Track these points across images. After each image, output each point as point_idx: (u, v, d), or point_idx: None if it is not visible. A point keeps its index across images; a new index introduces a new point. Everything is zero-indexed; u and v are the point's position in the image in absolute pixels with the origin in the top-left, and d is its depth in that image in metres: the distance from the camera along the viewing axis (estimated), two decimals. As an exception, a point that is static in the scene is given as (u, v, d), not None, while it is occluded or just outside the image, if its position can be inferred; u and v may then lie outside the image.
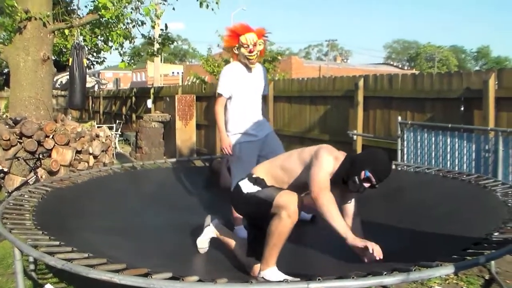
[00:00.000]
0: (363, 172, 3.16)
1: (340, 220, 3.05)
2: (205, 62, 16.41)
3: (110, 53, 12.60)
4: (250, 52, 4.47)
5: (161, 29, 12.41)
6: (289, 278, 2.81)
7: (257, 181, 3.32)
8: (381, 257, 2.89)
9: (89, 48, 12.48)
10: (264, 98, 4.97)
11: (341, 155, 3.30)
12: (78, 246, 3.21)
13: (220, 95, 4.66)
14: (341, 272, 2.77)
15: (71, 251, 3.11)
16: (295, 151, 3.48)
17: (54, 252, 3.04)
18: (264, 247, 3.18)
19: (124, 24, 10.79)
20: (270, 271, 3.16)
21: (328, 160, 3.21)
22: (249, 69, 4.65)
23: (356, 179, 3.17)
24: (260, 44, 4.53)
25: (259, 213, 3.21)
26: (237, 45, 4.52)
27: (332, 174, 3.21)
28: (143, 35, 11.92)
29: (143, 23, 11.41)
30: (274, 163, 3.49)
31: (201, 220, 4.54)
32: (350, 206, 3.59)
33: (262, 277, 3.15)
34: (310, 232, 4.29)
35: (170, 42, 13.35)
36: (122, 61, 12.20)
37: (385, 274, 2.62)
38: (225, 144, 4.57)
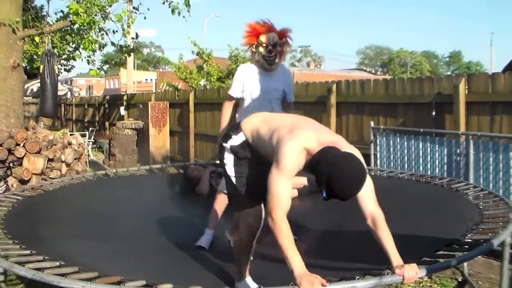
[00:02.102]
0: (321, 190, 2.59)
1: (293, 250, 2.54)
2: (177, 69, 16.37)
3: (82, 60, 12.48)
4: (269, 52, 4.19)
5: (132, 38, 12.35)
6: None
7: (234, 152, 3.10)
8: None
9: (60, 55, 12.36)
10: (288, 105, 4.61)
11: (317, 146, 2.62)
12: (50, 255, 3.16)
13: (228, 95, 4.46)
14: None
15: (42, 260, 3.06)
16: (276, 126, 2.89)
17: (24, 262, 2.99)
18: (235, 261, 3.18)
19: (95, 32, 10.69)
20: (242, 284, 3.14)
21: (292, 161, 2.65)
22: (266, 70, 4.35)
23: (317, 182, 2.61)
24: (280, 45, 4.27)
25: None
26: (255, 44, 4.24)
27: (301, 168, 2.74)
28: (113, 43, 11.84)
29: (114, 32, 11.35)
30: (259, 134, 2.99)
31: (174, 227, 4.53)
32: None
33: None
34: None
35: (138, 51, 13.30)
36: (90, 69, 12.10)
37: (358, 278, 2.63)
38: None
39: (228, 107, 4.44)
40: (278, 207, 2.60)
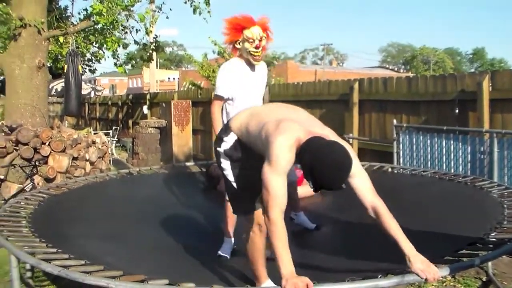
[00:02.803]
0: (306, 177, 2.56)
1: (285, 250, 2.50)
2: (200, 67, 16.43)
3: (105, 60, 12.60)
4: (257, 47, 3.95)
5: (154, 37, 12.43)
6: None
7: (229, 156, 3.06)
8: None
9: (83, 55, 12.49)
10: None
11: (304, 137, 2.58)
12: (74, 253, 3.22)
13: (218, 96, 4.16)
14: (336, 276, 2.78)
15: (67, 258, 3.11)
16: (264, 121, 2.83)
17: (50, 259, 3.04)
18: (251, 265, 3.12)
19: (118, 31, 10.79)
20: (266, 285, 3.05)
21: (284, 158, 2.59)
22: (252, 66, 4.14)
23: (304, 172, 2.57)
24: (264, 39, 4.01)
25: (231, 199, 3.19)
26: (240, 39, 3.98)
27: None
28: (135, 42, 11.94)
29: (137, 30, 11.44)
30: (249, 128, 2.95)
31: (197, 226, 4.56)
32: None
33: None
34: (306, 237, 4.30)
35: (160, 50, 13.35)
36: (115, 64, 12.19)
37: (380, 277, 2.62)
38: None
39: (218, 109, 4.18)
40: (275, 206, 2.56)
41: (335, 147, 2.51)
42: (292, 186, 4.12)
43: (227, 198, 3.53)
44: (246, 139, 2.97)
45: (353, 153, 2.65)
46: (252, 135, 2.89)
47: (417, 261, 2.55)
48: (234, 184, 3.05)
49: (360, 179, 2.69)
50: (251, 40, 3.94)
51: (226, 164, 3.08)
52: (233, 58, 4.24)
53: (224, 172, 3.10)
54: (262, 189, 2.62)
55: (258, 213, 2.98)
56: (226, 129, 3.12)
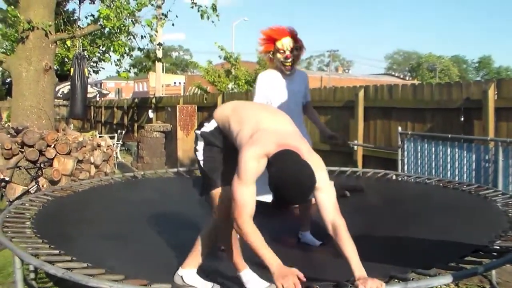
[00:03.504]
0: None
1: (266, 249, 2.56)
2: (205, 73, 16.50)
3: (111, 63, 12.66)
4: (287, 58, 4.18)
5: (159, 43, 12.48)
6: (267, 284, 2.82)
7: (205, 138, 3.11)
8: None
9: (90, 58, 12.55)
10: (309, 104, 4.69)
11: (275, 149, 2.59)
12: (78, 255, 3.23)
13: None
14: (338, 280, 2.77)
15: (71, 260, 3.12)
16: (242, 124, 2.87)
17: (54, 261, 3.05)
18: (227, 253, 3.09)
19: (125, 36, 10.85)
20: (244, 274, 3.02)
21: (252, 171, 2.62)
22: (287, 76, 4.36)
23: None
24: (297, 49, 4.24)
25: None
26: (272, 51, 4.23)
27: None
28: (140, 49, 12.00)
29: (142, 37, 11.49)
30: (230, 123, 2.98)
31: (201, 230, 4.55)
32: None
33: (181, 276, 3.08)
34: (309, 245, 4.29)
35: (160, 60, 13.44)
36: (117, 72, 12.25)
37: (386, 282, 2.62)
38: None
39: None
40: (242, 213, 2.60)
41: (299, 166, 2.52)
42: (305, 205, 4.20)
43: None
44: (224, 130, 3.04)
45: (321, 166, 2.69)
46: (229, 132, 2.95)
47: (367, 283, 2.47)
48: (203, 163, 3.09)
49: (325, 194, 2.68)
50: (281, 51, 4.17)
51: (200, 145, 3.12)
52: (269, 69, 4.47)
53: (197, 153, 3.14)
54: (231, 197, 2.66)
55: (224, 196, 2.95)
56: (209, 116, 3.18)
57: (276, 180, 2.48)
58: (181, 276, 3.05)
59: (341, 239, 2.64)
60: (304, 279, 2.43)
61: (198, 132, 3.15)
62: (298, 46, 4.24)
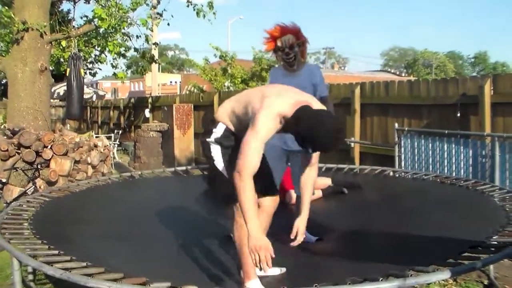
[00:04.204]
0: (304, 146, 2.79)
1: (253, 213, 2.66)
2: (202, 71, 16.49)
3: (107, 64, 12.64)
4: (287, 55, 4.28)
5: (154, 43, 12.47)
6: None
7: (219, 143, 3.10)
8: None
9: (85, 58, 12.53)
10: (323, 100, 4.30)
11: (289, 108, 2.76)
12: (76, 256, 3.23)
13: None
14: (337, 278, 2.78)
15: (69, 260, 3.12)
16: (250, 102, 2.94)
17: (52, 262, 3.05)
18: (240, 258, 3.05)
19: (121, 35, 10.83)
20: (253, 284, 3.01)
21: (266, 127, 2.76)
22: (290, 71, 4.41)
23: (299, 142, 2.81)
24: (299, 46, 4.31)
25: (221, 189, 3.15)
26: (274, 48, 4.35)
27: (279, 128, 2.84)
28: (135, 49, 11.99)
29: (138, 37, 11.48)
30: (235, 112, 3.05)
31: (199, 229, 4.56)
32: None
33: None
34: (308, 242, 4.29)
35: (156, 62, 13.45)
36: (114, 74, 12.24)
37: (381, 280, 2.63)
38: None
39: None
40: (248, 167, 2.69)
41: (327, 114, 2.78)
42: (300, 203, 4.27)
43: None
44: (236, 125, 3.05)
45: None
46: (239, 119, 3.00)
47: (251, 241, 2.60)
48: (225, 171, 3.05)
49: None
50: (282, 49, 4.27)
51: (216, 150, 3.10)
52: (278, 65, 4.65)
53: (214, 160, 3.11)
54: (239, 152, 2.75)
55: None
56: (213, 121, 3.16)
57: (313, 134, 2.66)
58: None
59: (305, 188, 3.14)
60: (273, 256, 2.55)
61: (211, 139, 3.12)
62: (300, 43, 4.30)
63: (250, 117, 2.85)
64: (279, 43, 4.27)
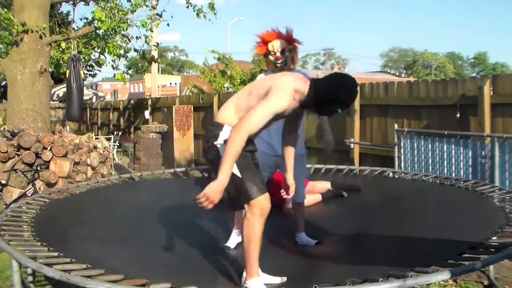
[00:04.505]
0: (332, 109, 3.09)
1: (229, 163, 2.81)
2: (201, 73, 16.54)
3: (106, 65, 12.64)
4: (277, 59, 4.26)
5: (154, 44, 12.48)
6: None
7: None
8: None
9: (85, 60, 12.53)
10: None
11: (303, 84, 3.04)
12: (76, 257, 3.22)
13: None
14: (337, 279, 2.78)
15: (69, 262, 3.12)
16: (255, 87, 3.14)
17: (52, 263, 3.05)
18: (245, 257, 3.05)
19: (120, 37, 10.83)
20: (255, 282, 3.01)
21: (280, 100, 2.94)
22: None
23: (325, 110, 3.18)
24: (290, 51, 4.31)
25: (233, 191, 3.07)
26: (265, 53, 4.35)
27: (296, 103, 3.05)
28: (135, 50, 12.00)
29: (137, 38, 11.49)
30: (239, 106, 3.12)
31: (199, 230, 4.55)
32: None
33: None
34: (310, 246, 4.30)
35: (156, 61, 13.46)
36: (115, 74, 12.25)
37: (381, 281, 2.63)
38: None
39: None
40: (247, 126, 2.85)
41: (340, 75, 3.14)
42: (300, 207, 4.43)
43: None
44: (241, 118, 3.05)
45: None
46: (247, 106, 3.03)
47: (213, 186, 2.82)
48: (238, 173, 3.03)
49: None
50: (272, 53, 4.27)
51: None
52: (268, 71, 4.56)
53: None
54: (249, 112, 2.90)
55: (263, 195, 3.00)
56: (218, 125, 3.14)
57: (338, 91, 2.99)
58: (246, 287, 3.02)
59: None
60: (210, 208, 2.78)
61: (220, 142, 3.10)
62: (291, 48, 4.30)
63: (262, 97, 2.98)
64: (270, 47, 4.27)
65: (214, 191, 2.76)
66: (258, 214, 2.96)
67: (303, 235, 4.33)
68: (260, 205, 2.98)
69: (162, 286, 2.73)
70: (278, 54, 4.25)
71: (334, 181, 5.92)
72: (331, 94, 2.98)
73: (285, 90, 2.96)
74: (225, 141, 2.99)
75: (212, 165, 3.15)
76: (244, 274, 3.08)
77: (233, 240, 4.18)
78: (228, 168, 2.79)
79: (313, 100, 3.04)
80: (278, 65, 4.29)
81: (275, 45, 4.26)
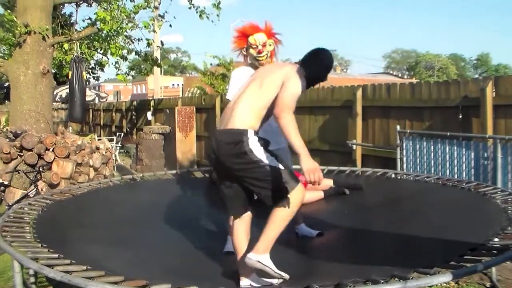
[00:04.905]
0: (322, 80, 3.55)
1: (299, 138, 3.02)
2: (202, 75, 16.61)
3: (109, 66, 12.71)
4: (259, 53, 4.12)
5: (158, 46, 12.51)
6: (283, 273, 2.95)
7: (261, 146, 3.21)
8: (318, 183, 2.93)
9: (88, 61, 12.56)
10: None
11: (300, 70, 3.37)
12: (77, 258, 3.22)
13: (228, 100, 4.20)
14: (338, 279, 2.77)
15: (70, 263, 3.12)
16: (260, 85, 3.30)
17: (53, 265, 3.05)
18: (267, 231, 3.08)
19: (122, 38, 10.86)
20: (267, 258, 3.06)
21: (301, 85, 3.26)
22: None
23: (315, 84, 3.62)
24: (270, 45, 4.19)
25: (264, 185, 3.10)
26: (245, 47, 4.20)
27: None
28: (137, 53, 12.02)
29: (139, 39, 11.51)
30: (254, 103, 3.27)
31: (200, 231, 4.55)
32: None
33: (258, 261, 3.02)
34: (309, 242, 4.29)
35: (159, 65, 13.52)
36: (117, 74, 12.27)
37: (382, 283, 2.62)
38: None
39: None
40: (292, 108, 3.14)
41: (320, 50, 3.52)
42: None
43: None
44: (262, 115, 3.27)
45: None
46: (265, 103, 3.25)
47: (305, 161, 2.94)
48: (280, 165, 3.14)
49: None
50: (254, 46, 4.13)
51: (261, 154, 3.14)
52: (242, 66, 4.37)
53: (261, 163, 3.12)
54: (278, 103, 3.15)
55: (301, 188, 3.12)
56: (240, 131, 3.17)
57: (321, 65, 3.45)
58: (258, 261, 3.04)
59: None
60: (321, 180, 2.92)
61: (250, 147, 3.15)
62: (271, 42, 4.20)
63: (279, 86, 3.22)
64: (251, 41, 4.14)
65: (310, 164, 2.92)
66: (297, 204, 3.07)
67: (302, 226, 4.31)
68: (300, 195, 3.09)
69: (162, 287, 2.72)
70: (260, 47, 4.14)
71: (337, 180, 5.92)
72: (323, 69, 3.45)
73: (300, 76, 3.26)
74: (257, 144, 3.15)
75: (244, 172, 3.16)
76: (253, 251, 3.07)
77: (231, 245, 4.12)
78: (301, 143, 3.00)
79: (307, 80, 3.37)
80: (260, 58, 4.17)
81: (257, 39, 4.14)
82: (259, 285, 3.08)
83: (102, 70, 13.84)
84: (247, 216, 3.29)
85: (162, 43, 12.79)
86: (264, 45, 4.15)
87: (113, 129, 21.47)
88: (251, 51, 4.17)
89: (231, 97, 4.09)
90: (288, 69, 3.30)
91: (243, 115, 3.19)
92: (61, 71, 13.53)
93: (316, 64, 3.43)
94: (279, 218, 3.06)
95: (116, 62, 12.08)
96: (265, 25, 4.21)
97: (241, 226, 3.29)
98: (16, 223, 4.15)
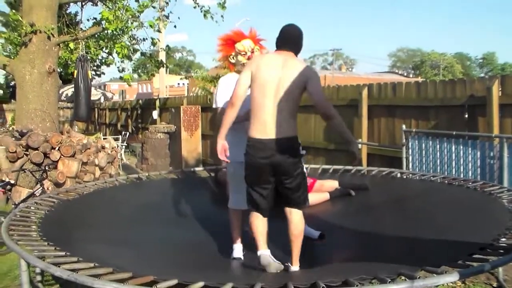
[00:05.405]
0: None
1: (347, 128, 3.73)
2: (202, 78, 16.77)
3: (115, 64, 12.70)
4: (249, 59, 4.07)
5: (162, 48, 12.52)
6: None
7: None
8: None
9: (93, 60, 12.59)
10: None
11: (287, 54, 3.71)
12: (84, 257, 3.23)
13: (218, 108, 4.39)
14: (345, 277, 2.76)
15: (76, 261, 3.13)
16: (285, 88, 3.57)
17: (60, 263, 3.06)
18: (297, 245, 3.48)
19: (128, 37, 10.88)
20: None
21: (319, 79, 3.72)
22: None
23: None
24: (257, 51, 4.20)
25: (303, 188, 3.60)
26: (233, 54, 4.20)
27: None
28: (142, 53, 12.04)
29: (144, 39, 11.54)
30: (293, 112, 3.68)
31: (206, 230, 4.56)
32: None
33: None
34: (314, 242, 4.29)
35: (163, 66, 13.57)
36: (121, 76, 12.30)
37: (389, 282, 2.61)
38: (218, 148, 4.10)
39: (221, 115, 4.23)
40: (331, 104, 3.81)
41: (291, 27, 3.79)
42: None
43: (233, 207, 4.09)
44: (295, 114, 3.69)
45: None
46: (296, 105, 3.66)
47: (354, 146, 3.76)
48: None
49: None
50: (243, 53, 4.15)
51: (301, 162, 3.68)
52: (229, 74, 4.38)
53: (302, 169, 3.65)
54: (318, 101, 3.72)
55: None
56: (291, 139, 3.63)
57: (300, 36, 3.77)
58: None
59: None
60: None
61: (303, 153, 3.72)
62: (257, 48, 4.20)
63: (301, 85, 3.56)
64: (240, 47, 4.13)
65: (359, 153, 3.55)
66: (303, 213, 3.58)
67: (305, 227, 4.32)
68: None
69: (169, 283, 2.73)
70: (249, 53, 4.14)
71: (342, 181, 5.91)
72: (302, 40, 3.79)
73: (315, 73, 3.70)
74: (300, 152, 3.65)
75: (297, 178, 3.58)
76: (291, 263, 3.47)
77: (239, 251, 4.08)
78: (347, 132, 3.80)
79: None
80: None
81: (245, 45, 4.15)
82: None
83: (108, 66, 13.85)
84: (267, 216, 3.63)
85: (168, 47, 12.84)
86: (252, 51, 4.16)
87: (119, 128, 21.50)
88: (240, 58, 4.17)
89: (222, 104, 4.30)
90: (302, 68, 3.56)
91: (289, 125, 3.62)
92: (67, 70, 13.55)
93: (300, 43, 3.76)
94: (300, 234, 3.52)
95: (122, 61, 12.11)
96: (250, 32, 4.23)
97: (263, 223, 3.60)
98: (23, 222, 4.17)
